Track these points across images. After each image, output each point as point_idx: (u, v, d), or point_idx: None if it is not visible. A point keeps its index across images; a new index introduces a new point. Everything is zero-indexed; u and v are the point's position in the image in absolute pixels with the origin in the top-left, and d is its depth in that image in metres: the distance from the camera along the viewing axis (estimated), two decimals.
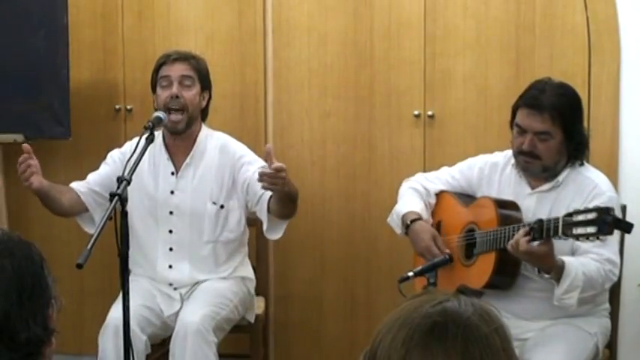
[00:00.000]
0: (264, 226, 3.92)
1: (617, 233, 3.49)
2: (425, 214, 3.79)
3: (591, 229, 3.11)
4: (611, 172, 4.15)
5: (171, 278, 3.99)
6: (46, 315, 1.72)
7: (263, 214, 3.90)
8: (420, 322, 1.44)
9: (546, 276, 3.36)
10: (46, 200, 3.88)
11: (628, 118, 4.36)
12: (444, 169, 3.91)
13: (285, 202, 3.78)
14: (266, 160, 3.60)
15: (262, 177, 3.58)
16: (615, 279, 3.49)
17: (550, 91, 3.51)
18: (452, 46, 4.49)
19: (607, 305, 3.69)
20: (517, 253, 3.30)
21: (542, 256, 3.28)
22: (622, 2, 4.32)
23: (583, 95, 4.28)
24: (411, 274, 3.32)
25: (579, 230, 3.14)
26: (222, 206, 3.99)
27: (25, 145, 3.71)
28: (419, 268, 3.38)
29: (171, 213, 3.98)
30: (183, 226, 3.98)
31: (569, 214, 3.19)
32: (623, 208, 3.85)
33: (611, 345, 3.81)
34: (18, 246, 1.74)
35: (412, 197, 3.85)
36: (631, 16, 4.32)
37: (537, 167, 3.55)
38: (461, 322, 1.44)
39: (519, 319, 3.54)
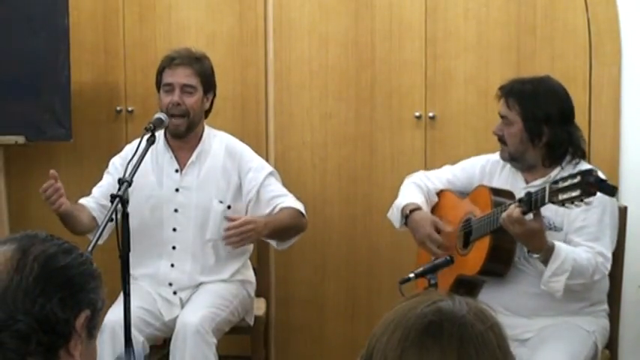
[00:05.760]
0: (273, 243, 4.05)
1: (611, 230, 3.51)
2: (425, 207, 3.81)
3: (575, 193, 3.14)
4: (612, 174, 4.15)
5: (172, 277, 3.99)
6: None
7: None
8: (415, 321, 1.45)
9: (535, 256, 3.39)
10: (69, 221, 3.82)
11: (629, 119, 4.36)
12: (446, 168, 3.94)
13: (280, 235, 3.99)
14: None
15: (228, 235, 3.80)
16: (606, 272, 3.51)
17: (525, 81, 3.64)
18: (453, 47, 4.49)
19: (605, 306, 3.70)
20: (509, 225, 3.32)
21: (533, 231, 3.32)
22: (623, 4, 4.32)
23: (584, 97, 4.31)
24: (412, 275, 3.31)
25: (565, 195, 3.17)
26: (229, 206, 4.00)
27: (52, 172, 3.67)
28: (420, 269, 3.38)
29: (176, 210, 3.99)
30: (188, 224, 3.99)
31: (556, 182, 3.23)
32: (624, 210, 3.85)
33: (612, 346, 3.81)
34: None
35: (413, 191, 3.88)
36: (632, 18, 4.33)
37: (505, 154, 3.67)
38: (456, 320, 1.45)
39: (517, 316, 3.56)
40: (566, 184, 3.17)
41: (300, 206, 4.03)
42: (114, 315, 3.67)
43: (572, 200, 3.16)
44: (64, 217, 3.80)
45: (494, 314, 1.49)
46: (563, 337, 3.50)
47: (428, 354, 1.42)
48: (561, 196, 3.18)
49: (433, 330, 1.44)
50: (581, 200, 3.14)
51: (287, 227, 3.98)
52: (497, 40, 4.45)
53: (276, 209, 3.97)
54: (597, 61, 4.36)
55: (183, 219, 3.99)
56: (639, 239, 4.11)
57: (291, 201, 4.03)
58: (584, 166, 3.60)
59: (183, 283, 4.00)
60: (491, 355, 1.42)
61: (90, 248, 3.08)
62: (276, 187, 4.04)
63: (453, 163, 3.97)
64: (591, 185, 3.11)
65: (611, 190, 3.17)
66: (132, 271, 3.51)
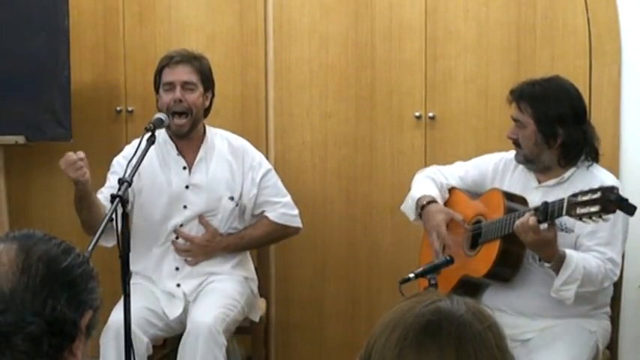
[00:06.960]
0: None
1: (622, 235, 3.51)
2: (440, 201, 3.80)
3: (595, 208, 3.12)
4: (612, 174, 4.14)
5: (177, 262, 4.00)
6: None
7: None
8: (413, 321, 1.45)
9: (546, 265, 3.38)
10: (87, 203, 3.74)
11: (629, 119, 4.36)
12: (458, 164, 3.92)
13: (251, 248, 4.18)
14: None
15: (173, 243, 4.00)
16: (615, 279, 3.51)
17: (535, 83, 3.61)
18: (453, 47, 4.49)
19: (608, 309, 3.70)
20: (522, 233, 3.31)
21: (547, 241, 3.30)
22: (623, 4, 4.32)
23: (584, 97, 4.30)
24: (412, 275, 3.31)
25: (583, 210, 3.15)
26: (237, 204, 4.04)
27: (80, 153, 3.65)
28: (420, 269, 3.37)
29: (185, 207, 4.00)
30: (196, 220, 4.01)
31: (575, 195, 3.20)
32: None
33: (612, 346, 3.81)
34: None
35: (428, 184, 3.86)
36: (632, 18, 4.33)
37: (520, 156, 3.64)
38: (454, 320, 1.45)
39: (520, 315, 3.56)
40: (586, 198, 3.15)
41: (285, 219, 4.11)
42: (118, 315, 3.67)
43: (590, 215, 3.14)
44: (83, 196, 3.71)
45: (493, 314, 1.49)
46: (566, 338, 3.49)
47: (426, 353, 1.42)
48: (579, 210, 3.16)
49: (431, 329, 1.44)
50: (600, 217, 3.13)
51: (258, 244, 4.19)
52: (497, 40, 4.45)
53: (262, 215, 4.09)
54: (597, 61, 4.36)
55: (192, 215, 4.01)
56: (639, 239, 4.11)
57: (277, 213, 4.09)
58: (597, 168, 3.60)
59: (186, 268, 4.00)
60: (489, 354, 1.42)
61: (90, 248, 3.07)
62: (271, 190, 4.09)
63: (453, 162, 3.96)
64: (612, 203, 3.10)
65: (632, 210, 3.16)
66: (134, 267, 3.50)
